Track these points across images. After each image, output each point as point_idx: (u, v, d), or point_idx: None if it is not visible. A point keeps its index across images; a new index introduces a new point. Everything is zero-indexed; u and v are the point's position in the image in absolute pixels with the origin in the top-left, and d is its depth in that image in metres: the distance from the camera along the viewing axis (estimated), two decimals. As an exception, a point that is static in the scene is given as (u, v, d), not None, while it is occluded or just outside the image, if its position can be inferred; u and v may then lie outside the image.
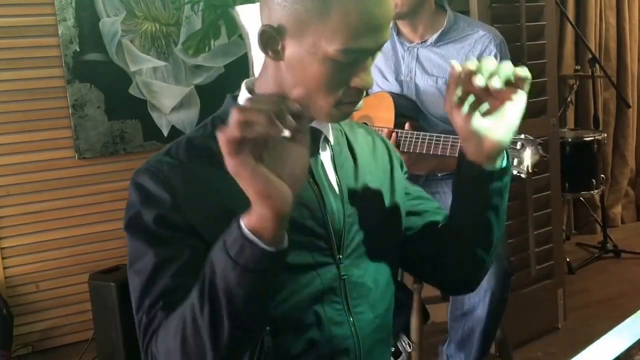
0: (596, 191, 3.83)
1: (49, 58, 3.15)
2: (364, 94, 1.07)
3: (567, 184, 3.66)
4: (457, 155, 1.96)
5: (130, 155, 3.33)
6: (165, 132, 3.39)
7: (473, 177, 1.12)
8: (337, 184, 1.15)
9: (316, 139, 1.13)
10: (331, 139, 1.17)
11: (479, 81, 1.01)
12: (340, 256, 1.11)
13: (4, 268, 3.11)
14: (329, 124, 1.16)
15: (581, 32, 4.22)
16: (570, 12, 4.26)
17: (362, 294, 1.14)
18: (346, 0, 0.95)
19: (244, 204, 0.90)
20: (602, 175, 3.90)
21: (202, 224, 1.01)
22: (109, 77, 3.25)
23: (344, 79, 1.02)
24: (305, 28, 0.97)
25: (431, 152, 1.98)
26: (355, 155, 1.20)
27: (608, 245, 4.06)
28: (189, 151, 1.07)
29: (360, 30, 0.97)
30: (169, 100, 3.40)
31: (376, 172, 1.22)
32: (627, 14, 4.56)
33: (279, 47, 1.01)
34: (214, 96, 3.43)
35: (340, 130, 1.22)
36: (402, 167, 1.31)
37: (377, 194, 1.21)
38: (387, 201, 1.22)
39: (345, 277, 1.11)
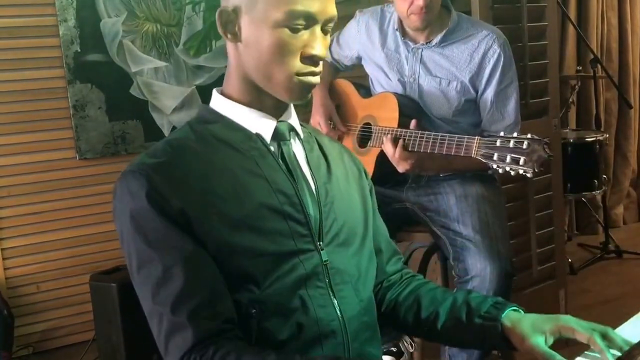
0: (598, 192, 3.82)
1: (50, 59, 3.15)
2: (320, 65, 1.13)
3: (569, 185, 3.66)
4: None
5: (131, 156, 3.32)
6: (167, 133, 3.39)
7: (499, 341, 1.21)
8: (312, 178, 1.20)
9: (285, 130, 1.19)
10: (300, 133, 1.23)
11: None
12: (321, 243, 1.16)
13: (5, 269, 3.11)
14: (296, 119, 1.23)
15: (583, 32, 4.22)
16: (572, 13, 4.25)
17: (345, 280, 1.18)
18: None
19: (226, 194, 1.07)
20: (604, 176, 3.89)
21: (191, 213, 1.05)
22: (110, 77, 3.25)
23: (297, 47, 1.09)
24: (255, 1, 1.07)
25: (436, 151, 1.97)
26: (326, 156, 1.27)
27: (610, 245, 4.05)
28: (168, 150, 1.12)
29: None
30: (170, 101, 3.40)
31: (345, 174, 1.30)
32: (628, 15, 4.56)
33: (236, 29, 1.11)
34: (215, 97, 3.42)
35: (310, 133, 1.28)
36: (367, 177, 1.38)
37: (349, 191, 1.27)
38: (358, 199, 1.29)
39: (327, 262, 1.16)
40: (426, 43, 2.23)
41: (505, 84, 2.20)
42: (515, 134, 1.70)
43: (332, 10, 1.11)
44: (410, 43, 2.26)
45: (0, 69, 3.05)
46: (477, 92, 2.21)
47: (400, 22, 2.24)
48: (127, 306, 2.71)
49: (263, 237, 1.09)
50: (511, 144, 1.67)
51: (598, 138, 3.76)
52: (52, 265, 3.21)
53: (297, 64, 1.10)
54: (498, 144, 1.70)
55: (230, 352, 1.01)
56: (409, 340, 2.27)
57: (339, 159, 1.30)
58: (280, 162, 1.17)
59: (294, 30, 1.08)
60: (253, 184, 1.11)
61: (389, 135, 2.07)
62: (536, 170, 1.64)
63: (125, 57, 3.27)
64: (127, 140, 3.31)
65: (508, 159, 1.68)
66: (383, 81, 2.34)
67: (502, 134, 1.74)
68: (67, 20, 3.13)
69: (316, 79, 1.13)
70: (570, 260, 3.77)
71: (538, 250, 2.95)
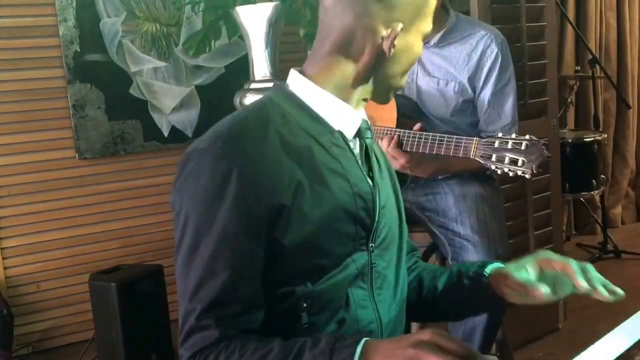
0: (596, 192, 3.83)
1: (50, 58, 3.15)
2: None
3: (567, 185, 3.67)
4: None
5: (130, 156, 3.34)
6: (166, 133, 3.39)
7: (487, 297, 1.26)
8: (371, 176, 1.19)
9: (366, 128, 1.21)
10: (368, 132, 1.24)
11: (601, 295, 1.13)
12: (372, 245, 1.16)
13: (5, 268, 3.12)
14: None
15: (581, 32, 4.22)
16: (571, 13, 4.26)
17: (384, 285, 1.18)
18: None
19: (312, 191, 1.05)
20: (602, 176, 3.90)
21: (276, 211, 1.02)
22: (109, 77, 3.25)
23: None
24: (414, 18, 1.17)
25: (434, 152, 1.98)
26: (376, 154, 1.26)
27: (608, 245, 4.05)
28: (259, 133, 1.06)
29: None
30: (170, 101, 3.40)
31: (386, 174, 1.28)
32: (627, 15, 4.56)
33: (391, 43, 1.13)
34: (214, 96, 3.43)
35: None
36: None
37: (392, 192, 1.27)
38: (397, 201, 1.28)
39: (374, 265, 1.16)
40: (424, 43, 2.23)
41: (503, 83, 2.20)
42: (513, 135, 1.71)
43: None
44: (409, 43, 2.26)
45: (0, 68, 3.05)
46: (475, 92, 2.22)
47: None
48: (127, 306, 2.72)
49: (332, 238, 1.08)
50: (510, 145, 1.68)
51: (596, 138, 3.77)
52: (52, 265, 3.21)
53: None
54: (496, 145, 1.71)
55: (233, 344, 1.01)
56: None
57: (381, 158, 1.29)
58: (360, 162, 1.16)
59: None
60: (336, 184, 1.09)
61: (388, 136, 2.07)
62: (534, 172, 1.65)
63: (125, 57, 3.28)
64: (127, 140, 3.32)
65: (507, 160, 1.68)
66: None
67: (500, 134, 1.74)
68: (67, 20, 3.13)
69: None
70: (568, 260, 3.77)
71: (536, 250, 2.96)
